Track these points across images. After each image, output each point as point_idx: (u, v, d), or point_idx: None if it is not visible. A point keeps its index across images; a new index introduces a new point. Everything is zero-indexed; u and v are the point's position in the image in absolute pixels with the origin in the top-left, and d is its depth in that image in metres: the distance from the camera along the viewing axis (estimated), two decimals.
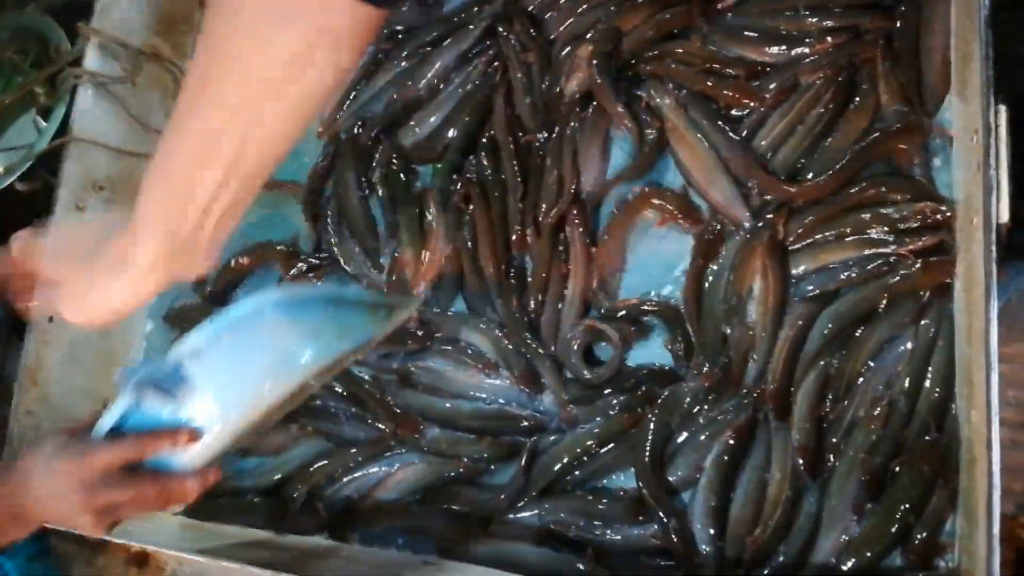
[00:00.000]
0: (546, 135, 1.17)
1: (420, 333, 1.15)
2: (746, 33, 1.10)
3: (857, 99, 1.04)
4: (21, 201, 1.46)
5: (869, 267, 0.99)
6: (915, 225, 0.98)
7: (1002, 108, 0.86)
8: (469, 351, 1.13)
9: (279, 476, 1.19)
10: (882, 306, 0.98)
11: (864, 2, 1.05)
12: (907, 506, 0.91)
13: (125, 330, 1.35)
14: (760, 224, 1.03)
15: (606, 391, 1.06)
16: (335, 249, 1.24)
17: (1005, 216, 0.84)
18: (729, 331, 1.03)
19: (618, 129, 1.14)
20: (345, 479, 1.14)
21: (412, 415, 1.13)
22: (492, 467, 1.09)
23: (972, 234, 0.88)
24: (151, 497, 0.76)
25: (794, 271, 1.02)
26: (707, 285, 1.06)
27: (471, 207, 1.17)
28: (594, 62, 1.12)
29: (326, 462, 1.16)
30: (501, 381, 1.10)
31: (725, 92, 1.09)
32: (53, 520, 0.81)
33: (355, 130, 1.28)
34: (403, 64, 1.28)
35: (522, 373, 1.09)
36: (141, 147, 1.35)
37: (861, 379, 0.98)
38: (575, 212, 1.10)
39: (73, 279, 0.70)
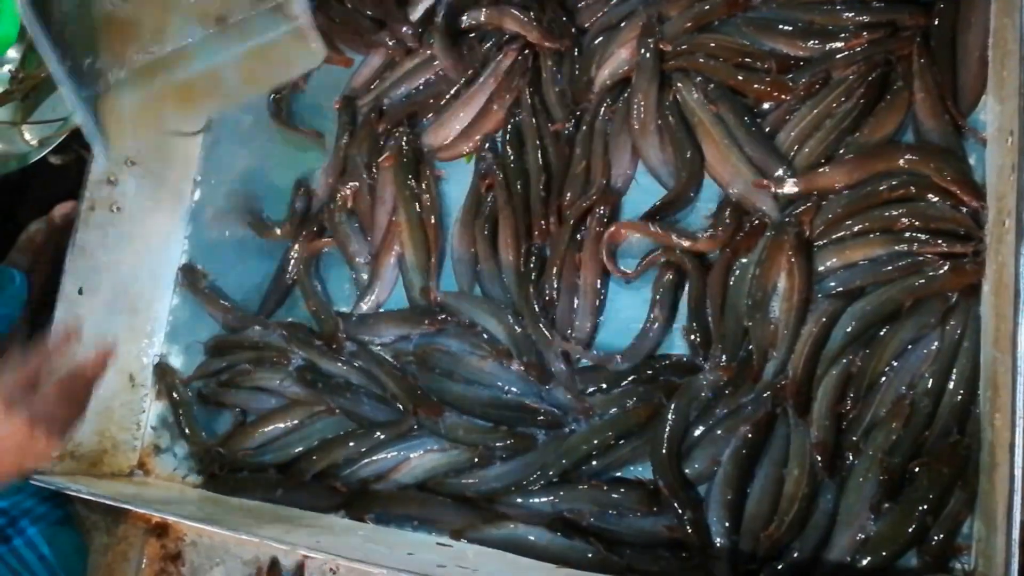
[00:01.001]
0: (574, 124, 1.16)
1: (438, 315, 1.16)
2: (780, 26, 1.09)
3: (888, 97, 1.03)
4: (55, 174, 1.49)
5: (896, 266, 0.98)
6: (948, 227, 0.96)
7: None
8: (485, 336, 1.14)
9: (298, 451, 1.21)
10: (908, 306, 0.97)
11: None
12: (925, 507, 0.90)
13: (149, 309, 1.37)
14: (787, 220, 1.03)
15: (623, 381, 1.06)
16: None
17: None
18: (751, 325, 1.02)
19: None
20: (363, 460, 1.15)
21: (432, 398, 1.14)
22: (506, 456, 1.09)
23: (1003, 237, 0.87)
24: (70, 386, 0.86)
25: (819, 267, 1.01)
26: (733, 279, 1.06)
27: (492, 194, 1.18)
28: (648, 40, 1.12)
29: (345, 441, 1.17)
30: (516, 368, 1.11)
31: (756, 86, 1.08)
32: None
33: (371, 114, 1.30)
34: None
35: (531, 362, 1.09)
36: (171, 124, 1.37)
37: (884, 378, 0.97)
38: (601, 205, 1.11)
39: None
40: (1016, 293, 0.82)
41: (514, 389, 1.12)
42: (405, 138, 1.24)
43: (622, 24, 1.17)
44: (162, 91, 1.15)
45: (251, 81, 1.14)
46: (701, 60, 1.11)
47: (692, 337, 1.05)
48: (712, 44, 1.11)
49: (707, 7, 1.11)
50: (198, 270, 1.38)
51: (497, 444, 1.09)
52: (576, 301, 1.11)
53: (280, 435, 1.23)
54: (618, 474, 1.05)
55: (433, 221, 1.22)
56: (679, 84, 1.12)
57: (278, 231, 1.33)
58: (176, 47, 1.15)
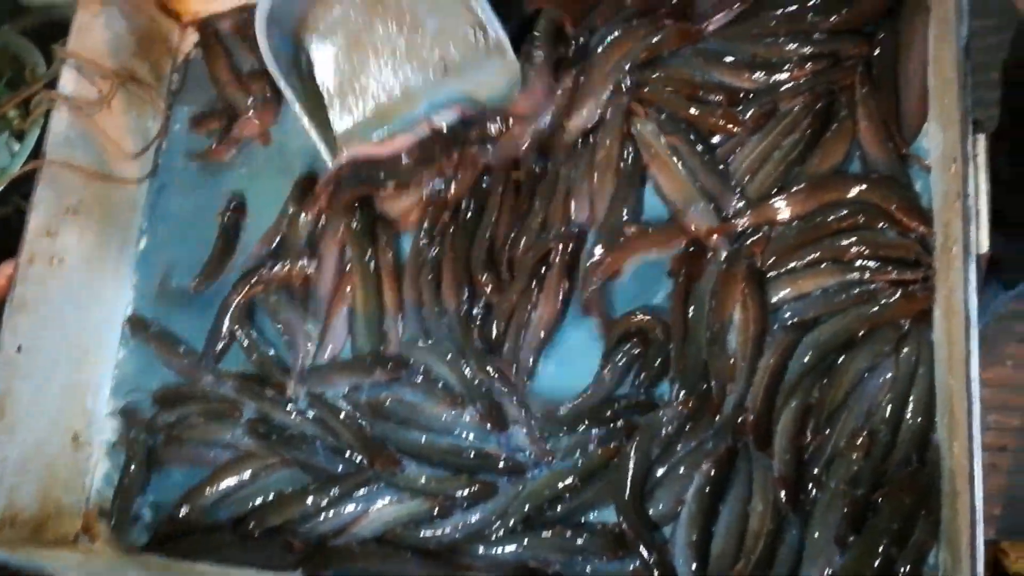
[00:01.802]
0: (539, 170, 1.15)
1: (390, 363, 1.14)
2: (726, 59, 1.09)
3: (834, 126, 1.04)
4: None
5: (848, 295, 0.98)
6: (898, 255, 0.97)
7: (980, 137, 0.86)
8: (439, 384, 1.12)
9: (252, 507, 1.17)
10: (862, 334, 0.97)
11: (843, 28, 1.05)
12: (890, 538, 0.89)
13: (94, 364, 1.32)
14: (738, 249, 1.02)
15: (582, 425, 1.04)
16: None
17: (985, 246, 0.84)
18: (709, 358, 1.01)
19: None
20: (320, 515, 1.11)
21: (389, 449, 1.11)
22: (468, 505, 1.07)
23: (951, 263, 0.88)
24: None
25: (773, 298, 1.01)
26: (691, 310, 1.05)
27: (437, 237, 1.17)
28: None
29: (301, 495, 1.13)
30: (471, 418, 1.09)
31: (708, 119, 1.08)
32: None
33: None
34: None
35: (486, 410, 1.07)
36: (116, 170, 1.34)
37: (842, 409, 0.97)
38: (560, 249, 1.09)
39: None
40: (966, 320, 0.82)
41: (472, 436, 1.09)
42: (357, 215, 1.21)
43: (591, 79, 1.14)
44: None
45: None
46: (655, 92, 1.11)
47: (648, 372, 1.04)
48: (664, 76, 1.11)
49: (659, 39, 1.11)
50: (147, 320, 1.34)
51: (458, 493, 1.06)
52: (525, 337, 1.09)
53: (233, 490, 1.18)
54: (582, 519, 1.03)
55: (389, 276, 1.19)
56: (634, 118, 1.11)
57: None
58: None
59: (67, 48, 1.25)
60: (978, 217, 0.84)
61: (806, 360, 0.98)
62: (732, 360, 1.01)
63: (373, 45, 1.19)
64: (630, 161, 1.11)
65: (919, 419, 0.93)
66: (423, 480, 1.09)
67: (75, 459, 1.29)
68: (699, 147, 1.08)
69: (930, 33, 1.00)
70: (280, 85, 1.16)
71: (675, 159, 1.08)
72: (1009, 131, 1.19)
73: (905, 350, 0.95)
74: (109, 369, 1.33)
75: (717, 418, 1.00)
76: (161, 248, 1.37)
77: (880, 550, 0.89)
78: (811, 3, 1.05)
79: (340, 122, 1.21)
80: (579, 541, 0.99)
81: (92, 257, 1.31)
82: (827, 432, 0.96)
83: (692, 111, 1.09)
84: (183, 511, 1.20)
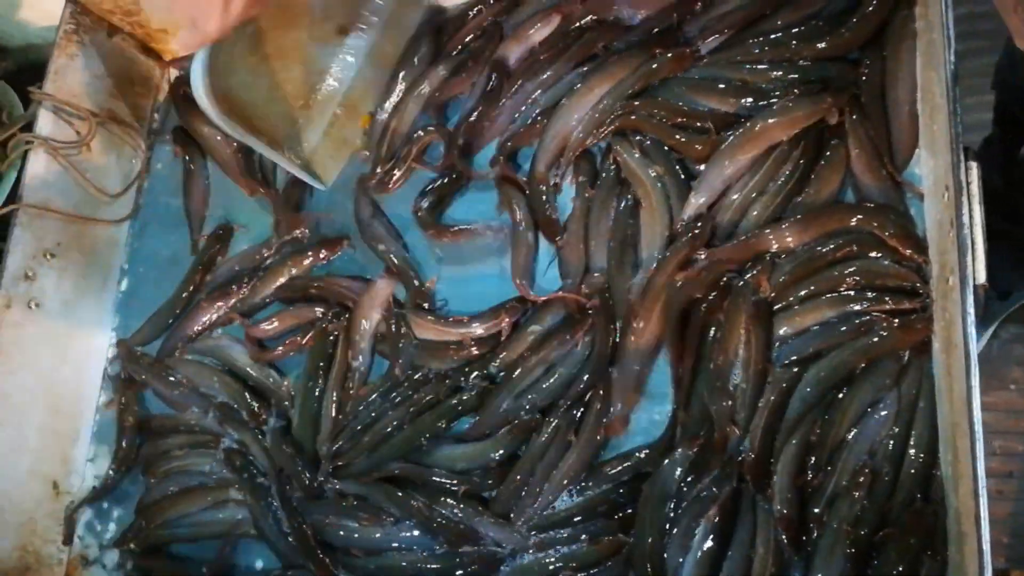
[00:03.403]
0: None
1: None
2: (715, 86, 1.07)
3: (827, 154, 1.01)
4: None
5: (848, 327, 0.95)
6: (894, 284, 0.94)
7: (973, 164, 0.83)
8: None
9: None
10: (862, 368, 0.94)
11: (830, 55, 1.03)
12: None
13: (73, 410, 1.29)
14: (741, 284, 0.99)
15: (574, 519, 1.01)
16: None
17: (982, 277, 0.81)
18: (710, 398, 0.97)
19: None
20: None
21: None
22: None
23: (948, 294, 0.85)
24: None
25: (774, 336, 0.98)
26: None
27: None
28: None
29: None
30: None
31: (695, 147, 1.06)
32: None
33: None
34: None
35: (454, 538, 1.03)
36: (95, 212, 1.31)
37: (844, 446, 0.93)
38: None
39: None
40: (966, 353, 0.79)
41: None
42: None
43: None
44: (334, 118, 1.25)
45: (386, 63, 1.23)
46: (640, 119, 1.09)
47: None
48: (650, 104, 1.09)
49: (655, 66, 1.09)
50: (136, 350, 1.30)
51: None
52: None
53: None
54: None
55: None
56: (618, 147, 1.09)
57: None
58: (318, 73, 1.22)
59: (44, 90, 1.23)
60: (974, 247, 0.81)
61: (806, 396, 0.95)
62: (734, 401, 0.97)
63: (281, 51, 1.18)
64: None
65: (922, 455, 0.90)
66: None
67: (55, 508, 1.25)
68: (683, 177, 1.06)
69: (917, 59, 0.98)
70: (239, 138, 1.12)
71: (660, 189, 1.06)
72: (999, 140, 1.19)
73: (905, 383, 0.92)
74: (90, 414, 1.30)
75: (722, 457, 0.95)
76: (143, 288, 1.34)
77: None
78: (795, 30, 1.04)
79: (309, 138, 1.21)
80: None
81: (71, 300, 1.28)
82: (829, 470, 0.92)
83: (677, 138, 1.07)
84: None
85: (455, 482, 1.04)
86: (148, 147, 1.38)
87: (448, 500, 1.03)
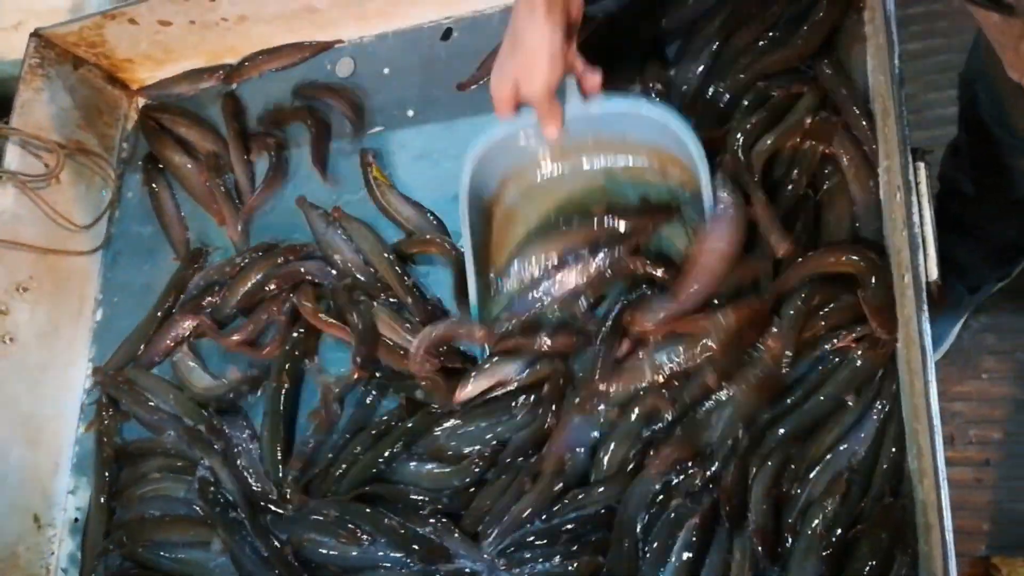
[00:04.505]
0: None
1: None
2: None
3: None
4: None
5: (825, 365, 0.94)
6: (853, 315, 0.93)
7: (920, 165, 0.85)
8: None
9: None
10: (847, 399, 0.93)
11: (779, 70, 1.04)
12: None
13: (52, 442, 1.29)
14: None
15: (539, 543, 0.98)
16: None
17: (934, 274, 0.83)
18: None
19: None
20: None
21: None
22: None
23: (904, 291, 0.87)
24: None
25: None
26: None
27: None
28: None
29: None
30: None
31: None
32: None
33: None
34: None
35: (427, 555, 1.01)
36: (66, 243, 1.32)
37: (820, 462, 0.93)
38: None
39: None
40: (922, 349, 0.81)
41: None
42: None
43: None
44: None
45: None
46: None
47: None
48: None
49: None
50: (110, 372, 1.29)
51: None
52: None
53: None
54: None
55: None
56: None
57: None
58: None
59: (11, 125, 1.23)
60: (925, 245, 0.83)
61: (783, 432, 0.94)
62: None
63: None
64: None
65: (892, 450, 0.91)
66: None
67: (37, 541, 1.25)
68: None
69: (868, 64, 1.00)
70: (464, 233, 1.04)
71: None
72: (967, 147, 1.20)
73: (882, 396, 0.92)
74: (68, 447, 1.30)
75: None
76: (119, 318, 1.34)
77: None
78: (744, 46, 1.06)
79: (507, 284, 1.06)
80: None
81: (46, 332, 1.28)
82: (803, 480, 0.92)
83: None
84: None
85: (426, 499, 1.04)
86: (118, 176, 1.39)
87: (421, 517, 1.02)
